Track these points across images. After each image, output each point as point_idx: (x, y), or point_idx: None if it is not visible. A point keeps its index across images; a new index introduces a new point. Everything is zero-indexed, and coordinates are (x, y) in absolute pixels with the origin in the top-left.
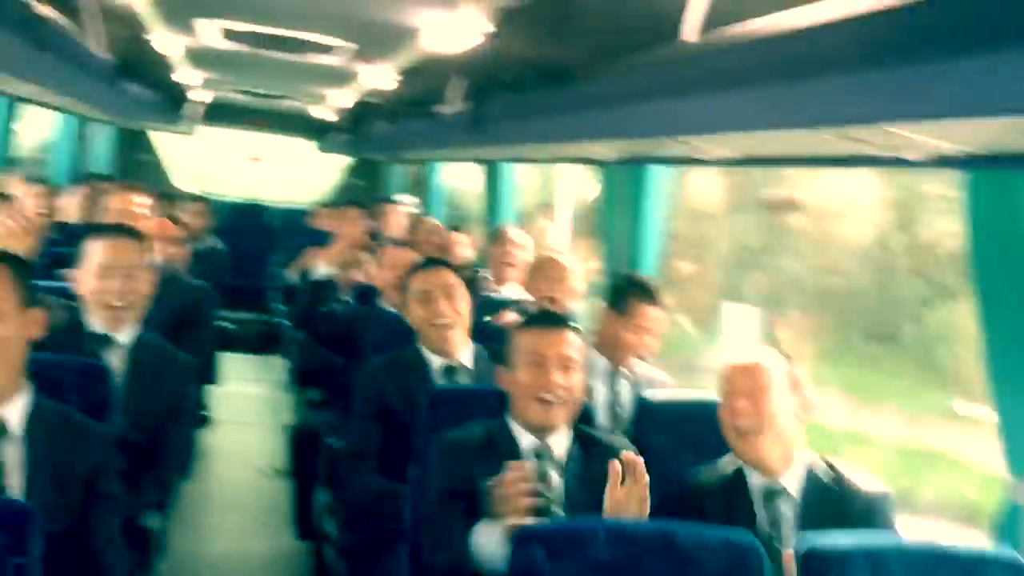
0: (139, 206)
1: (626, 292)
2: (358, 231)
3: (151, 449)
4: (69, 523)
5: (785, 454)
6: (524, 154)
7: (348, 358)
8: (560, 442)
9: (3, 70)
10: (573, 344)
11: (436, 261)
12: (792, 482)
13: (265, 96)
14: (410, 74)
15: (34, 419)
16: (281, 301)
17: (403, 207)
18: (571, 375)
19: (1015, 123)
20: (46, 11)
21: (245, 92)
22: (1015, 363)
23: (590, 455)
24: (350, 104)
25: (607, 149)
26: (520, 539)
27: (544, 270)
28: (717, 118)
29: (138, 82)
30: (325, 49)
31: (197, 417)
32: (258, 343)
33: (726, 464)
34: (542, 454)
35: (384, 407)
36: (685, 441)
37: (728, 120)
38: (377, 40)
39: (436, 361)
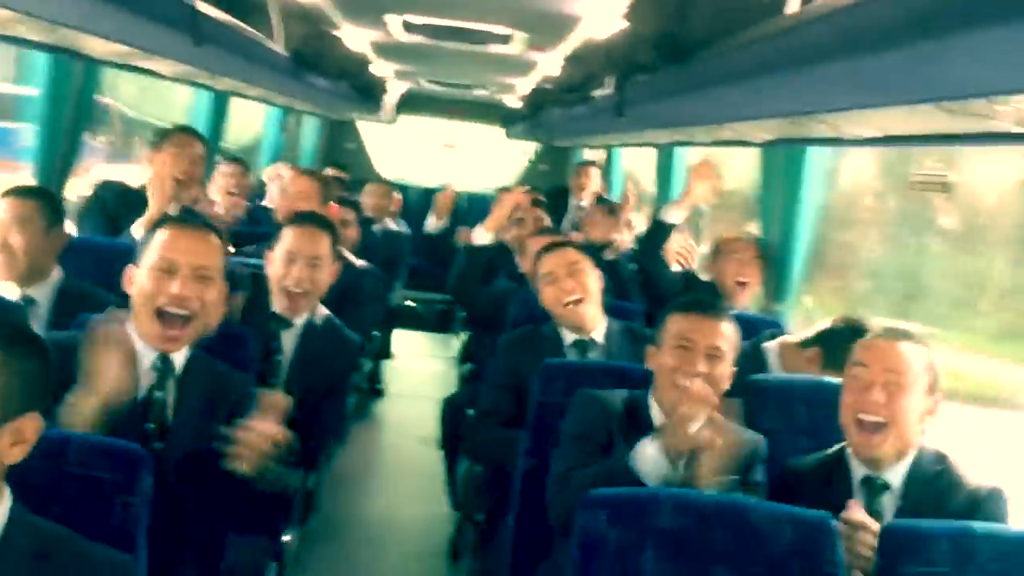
0: (309, 190)
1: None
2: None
3: (307, 418)
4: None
5: (901, 451)
6: (686, 137)
7: (496, 334)
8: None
9: (207, 69)
10: (725, 334)
11: (561, 243)
12: (897, 474)
13: (455, 85)
14: (572, 60)
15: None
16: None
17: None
18: (717, 365)
19: None
20: (229, 17)
21: (435, 82)
22: None
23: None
24: (528, 91)
25: (759, 130)
26: (586, 504)
27: (734, 251)
28: (858, 94)
29: (330, 75)
30: (503, 39)
31: (364, 389)
32: (439, 321)
33: (830, 451)
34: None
35: (516, 377)
36: (797, 424)
37: (873, 95)
38: (546, 28)
39: (568, 336)
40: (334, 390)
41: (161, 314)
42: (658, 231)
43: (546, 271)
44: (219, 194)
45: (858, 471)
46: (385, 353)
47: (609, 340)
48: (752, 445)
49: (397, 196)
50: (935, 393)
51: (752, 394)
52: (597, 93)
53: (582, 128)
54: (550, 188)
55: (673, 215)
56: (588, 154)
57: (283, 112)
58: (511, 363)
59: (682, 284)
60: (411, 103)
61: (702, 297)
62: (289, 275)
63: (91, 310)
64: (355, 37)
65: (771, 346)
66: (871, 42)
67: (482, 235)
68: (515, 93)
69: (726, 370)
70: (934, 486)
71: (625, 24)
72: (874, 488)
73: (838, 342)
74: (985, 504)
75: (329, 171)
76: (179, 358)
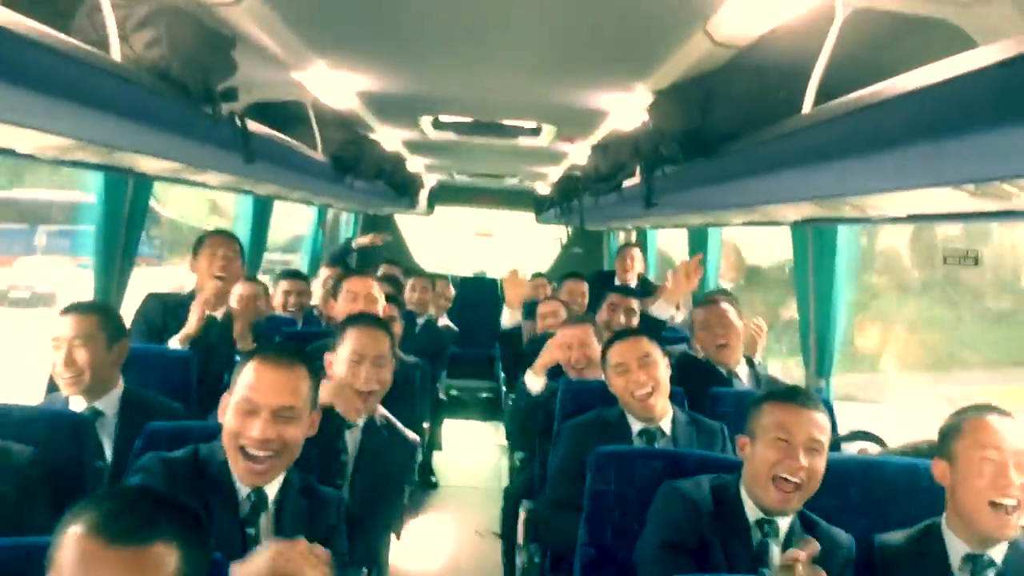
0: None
1: None
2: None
3: (368, 515)
4: None
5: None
6: (716, 220)
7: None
8: (785, 521)
9: (254, 178)
10: (823, 425)
11: (629, 331)
12: (999, 551)
13: (486, 175)
14: (599, 150)
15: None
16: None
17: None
18: (816, 458)
19: None
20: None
21: (467, 173)
22: None
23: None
24: (557, 178)
25: (789, 211)
26: None
27: (713, 317)
28: (876, 178)
29: (367, 175)
30: (532, 132)
31: (416, 482)
32: (485, 409)
33: (919, 527)
34: (768, 529)
35: (582, 464)
36: (852, 503)
37: (889, 180)
38: (574, 122)
39: (636, 425)
40: (393, 486)
41: (245, 452)
42: (650, 326)
43: (617, 361)
44: (279, 308)
45: (958, 548)
46: (436, 444)
47: (675, 429)
48: (845, 546)
49: (451, 290)
50: None
51: None
52: (627, 183)
53: (613, 214)
54: (594, 273)
55: (661, 311)
56: (623, 235)
57: (323, 210)
58: (577, 450)
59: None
60: (444, 195)
61: (798, 388)
62: (358, 376)
63: (155, 418)
64: (389, 138)
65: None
66: (885, 138)
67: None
68: (545, 180)
69: (823, 464)
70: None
71: (648, 118)
72: (979, 565)
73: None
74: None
75: (383, 268)
76: (272, 488)
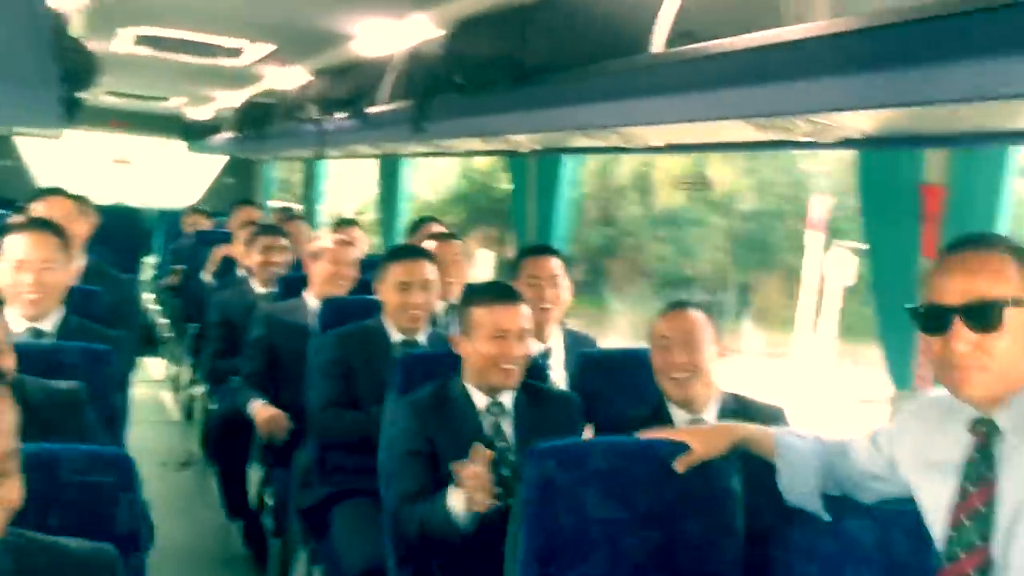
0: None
1: (517, 257)
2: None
3: None
4: None
5: (708, 393)
6: (443, 148)
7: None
8: (508, 395)
9: None
10: (527, 315)
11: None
12: (711, 415)
13: (137, 97)
14: (329, 74)
15: None
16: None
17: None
18: (526, 343)
19: (905, 112)
20: None
21: (114, 94)
22: (894, 305)
23: (538, 405)
24: (237, 104)
25: (533, 140)
26: (534, 455)
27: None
28: (662, 113)
29: None
30: (234, 52)
31: None
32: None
33: (652, 405)
34: (495, 410)
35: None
36: (623, 387)
37: (670, 115)
38: (297, 42)
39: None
40: None
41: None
42: None
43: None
44: None
45: (681, 417)
46: None
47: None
48: (574, 401)
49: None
50: (716, 336)
51: (582, 365)
52: (372, 109)
53: (335, 141)
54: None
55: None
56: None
57: None
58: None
59: None
60: (78, 116)
61: (502, 286)
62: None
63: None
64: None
65: None
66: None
67: None
68: (216, 105)
69: (529, 345)
70: (739, 416)
71: (413, 44)
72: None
73: None
74: (777, 419)
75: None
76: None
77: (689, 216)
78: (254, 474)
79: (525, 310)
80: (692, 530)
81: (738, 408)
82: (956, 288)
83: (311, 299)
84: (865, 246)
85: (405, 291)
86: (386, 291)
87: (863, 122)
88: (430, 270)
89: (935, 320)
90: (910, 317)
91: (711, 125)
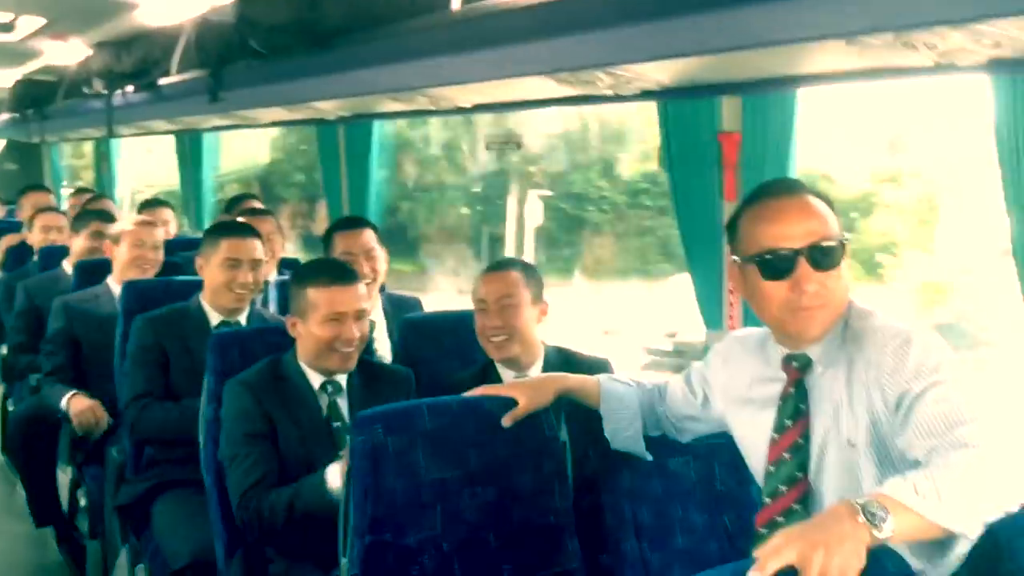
0: None
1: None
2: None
3: None
4: None
5: (532, 352)
6: (245, 120)
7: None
8: (343, 376)
9: None
10: (363, 295)
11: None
12: (536, 372)
13: None
14: (113, 46)
15: None
16: None
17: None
18: (364, 324)
19: (700, 61)
20: None
21: None
22: (701, 244)
23: (372, 381)
24: (10, 83)
25: (340, 107)
26: (361, 422)
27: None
28: (465, 72)
29: None
30: (4, 28)
31: None
32: None
33: (481, 365)
34: (330, 389)
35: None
36: (448, 351)
37: (474, 73)
38: (73, 13)
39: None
40: None
41: None
42: None
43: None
44: None
45: (508, 375)
46: None
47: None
48: (403, 378)
49: None
50: (539, 296)
51: (406, 331)
52: (164, 80)
53: (125, 117)
54: None
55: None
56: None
57: None
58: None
59: None
60: None
61: (338, 265)
62: None
63: None
64: None
65: None
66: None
67: None
68: None
69: (367, 324)
70: (564, 369)
71: (204, 11)
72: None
73: None
74: (602, 369)
75: None
76: None
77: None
78: (63, 476)
79: (362, 289)
80: (524, 483)
81: (562, 361)
82: (798, 232)
83: (115, 285)
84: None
85: (234, 268)
86: (211, 269)
87: (661, 73)
88: (260, 248)
89: (781, 264)
90: (757, 267)
91: (516, 83)
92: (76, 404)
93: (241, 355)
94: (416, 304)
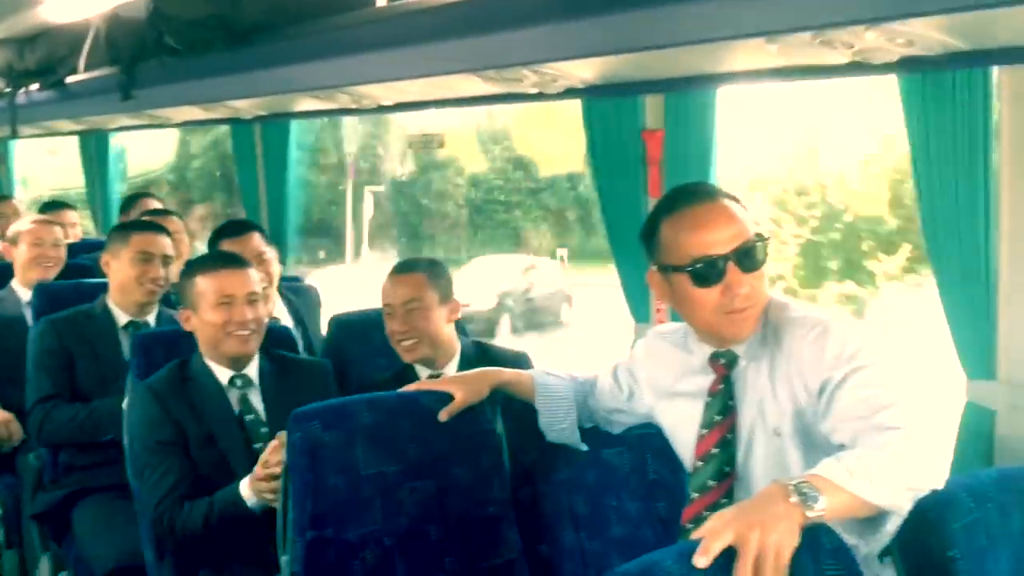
0: None
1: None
2: None
3: None
4: None
5: (445, 351)
6: (157, 119)
7: None
8: (253, 367)
9: None
10: (255, 279)
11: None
12: (452, 369)
13: None
14: (15, 43)
15: None
16: None
17: None
18: (258, 307)
19: (623, 59)
20: None
21: None
22: (627, 240)
23: (286, 374)
24: None
25: (257, 106)
26: (298, 417)
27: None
28: (388, 69)
29: None
30: None
31: None
32: None
33: (400, 365)
34: (239, 383)
35: None
36: (377, 348)
37: (397, 71)
38: None
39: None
40: None
41: None
42: None
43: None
44: None
45: (424, 374)
46: None
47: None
48: (319, 371)
49: None
50: (450, 294)
51: (335, 328)
52: (71, 78)
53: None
54: None
55: None
56: None
57: None
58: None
59: None
60: None
61: (225, 254)
62: None
63: None
64: None
65: None
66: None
67: None
68: None
69: (264, 309)
70: (482, 364)
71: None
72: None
73: None
74: (521, 363)
75: None
76: None
77: None
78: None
79: (253, 275)
80: (462, 475)
81: (481, 356)
82: (723, 237)
83: (20, 288)
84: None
85: (145, 263)
86: (120, 265)
87: (585, 71)
88: (170, 245)
89: (711, 271)
90: (688, 276)
91: (440, 80)
92: None
93: (164, 355)
94: (314, 294)
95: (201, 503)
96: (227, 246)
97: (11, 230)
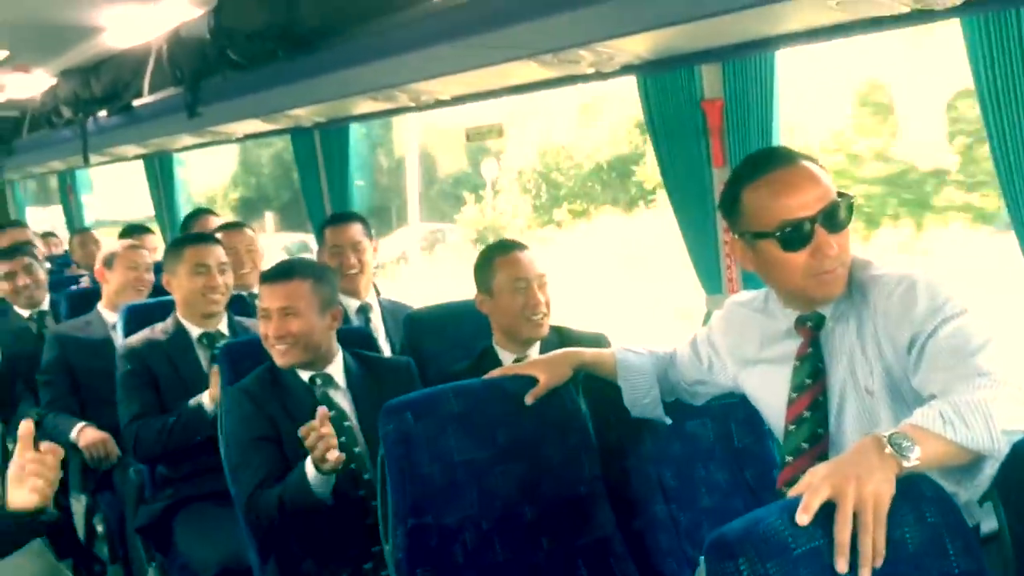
0: None
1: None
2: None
3: None
4: None
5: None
6: (219, 135)
7: None
8: (338, 367)
9: None
10: (295, 293)
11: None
12: (534, 352)
13: None
14: (79, 73)
15: None
16: None
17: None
18: (291, 322)
19: (677, 30)
20: None
21: None
22: (693, 212)
23: (371, 374)
24: None
25: (316, 112)
26: (390, 410)
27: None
28: (447, 63)
29: None
30: None
31: None
32: None
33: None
34: (320, 382)
35: None
36: (452, 342)
37: (456, 63)
38: (35, 44)
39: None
40: None
41: None
42: None
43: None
44: None
45: (507, 357)
46: None
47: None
48: (403, 367)
49: None
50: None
51: (410, 326)
52: (137, 101)
53: (97, 145)
54: None
55: None
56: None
57: None
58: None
59: None
60: None
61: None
62: None
63: None
64: None
65: None
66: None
67: None
68: None
69: (299, 323)
70: (564, 346)
71: (175, 26)
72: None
73: None
74: (600, 344)
75: None
76: None
77: None
78: (77, 504)
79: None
80: (552, 456)
81: (561, 340)
82: (809, 200)
83: (106, 311)
84: None
85: (203, 274)
86: (180, 280)
87: (641, 46)
88: (223, 254)
89: (799, 234)
90: (776, 241)
91: (498, 70)
92: (86, 436)
93: (252, 363)
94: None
95: (277, 486)
96: (329, 234)
97: (104, 253)
